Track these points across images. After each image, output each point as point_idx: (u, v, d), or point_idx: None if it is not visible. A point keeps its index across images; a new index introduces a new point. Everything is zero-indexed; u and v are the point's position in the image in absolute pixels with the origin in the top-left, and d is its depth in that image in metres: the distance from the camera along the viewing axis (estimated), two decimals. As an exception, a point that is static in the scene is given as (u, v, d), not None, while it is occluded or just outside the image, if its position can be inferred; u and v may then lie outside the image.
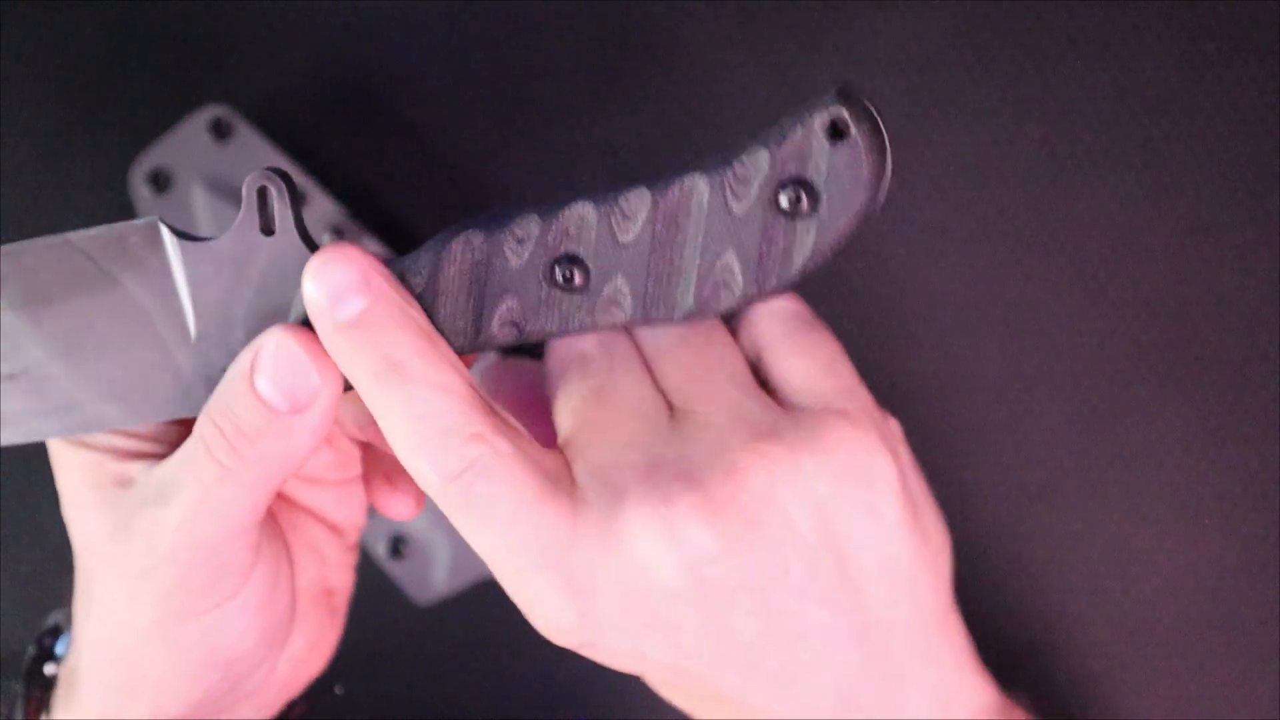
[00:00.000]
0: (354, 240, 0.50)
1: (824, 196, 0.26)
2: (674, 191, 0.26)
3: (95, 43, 0.52)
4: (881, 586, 0.30)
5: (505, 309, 0.27)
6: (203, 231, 0.51)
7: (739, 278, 0.26)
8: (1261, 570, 0.52)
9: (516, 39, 0.52)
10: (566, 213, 0.26)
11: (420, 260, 0.28)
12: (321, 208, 0.50)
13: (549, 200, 0.27)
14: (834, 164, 0.26)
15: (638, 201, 0.26)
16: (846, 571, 0.30)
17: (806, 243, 0.26)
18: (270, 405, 0.28)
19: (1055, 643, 0.53)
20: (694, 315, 0.26)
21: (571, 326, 0.27)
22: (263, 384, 0.28)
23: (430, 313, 0.28)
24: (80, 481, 0.31)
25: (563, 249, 0.26)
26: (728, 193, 0.25)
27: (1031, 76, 0.52)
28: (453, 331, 0.28)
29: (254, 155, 0.50)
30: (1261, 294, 0.51)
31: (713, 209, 0.25)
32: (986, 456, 0.52)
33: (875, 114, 0.26)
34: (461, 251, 0.27)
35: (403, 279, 0.28)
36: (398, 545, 0.51)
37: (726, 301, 0.27)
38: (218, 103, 0.50)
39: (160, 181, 0.50)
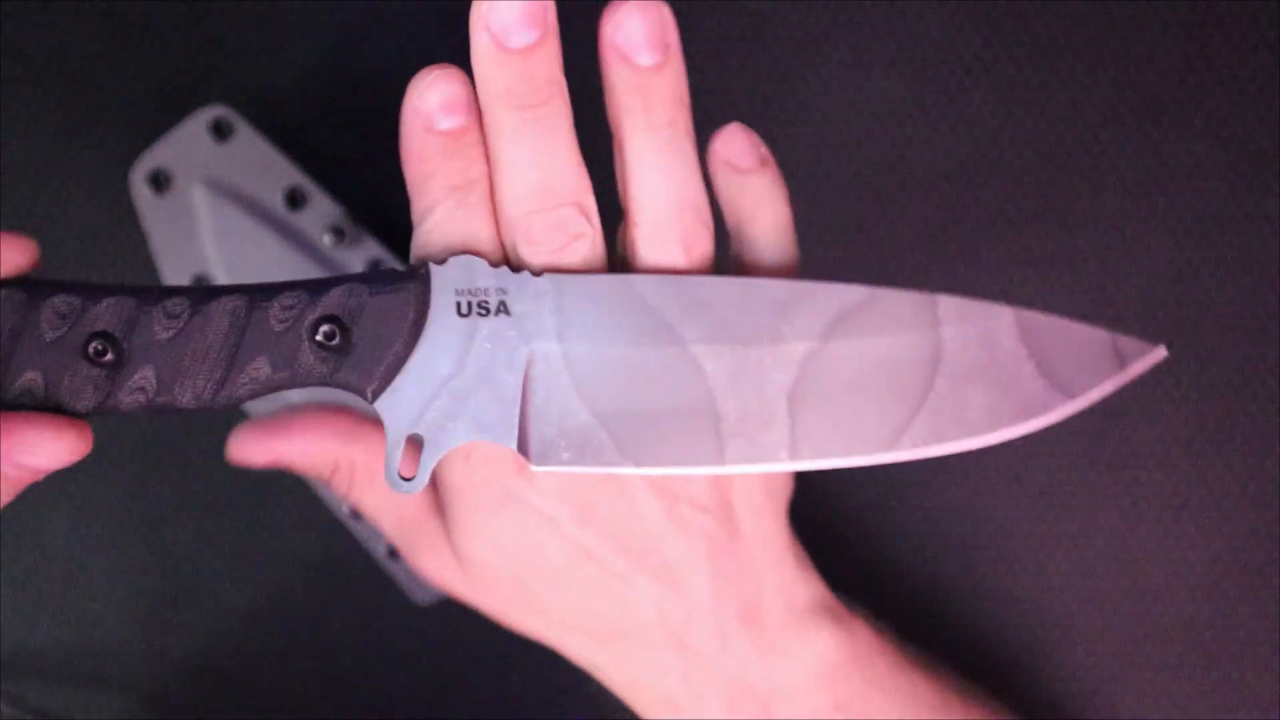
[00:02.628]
0: (354, 240, 0.50)
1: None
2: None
3: (95, 43, 0.52)
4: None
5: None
6: (202, 231, 0.51)
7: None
8: (1260, 570, 0.52)
9: (516, 39, 0.52)
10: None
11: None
12: (321, 208, 0.50)
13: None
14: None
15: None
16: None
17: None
18: (19, 480, 0.29)
19: (1055, 643, 0.53)
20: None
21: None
22: (24, 460, 0.29)
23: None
24: None
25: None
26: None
27: (1031, 76, 0.52)
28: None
29: (254, 155, 0.50)
30: (1261, 294, 0.51)
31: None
32: (986, 456, 0.52)
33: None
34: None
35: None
36: (398, 545, 0.51)
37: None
38: (218, 103, 0.50)
39: (160, 181, 0.50)
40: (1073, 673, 0.53)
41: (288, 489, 0.52)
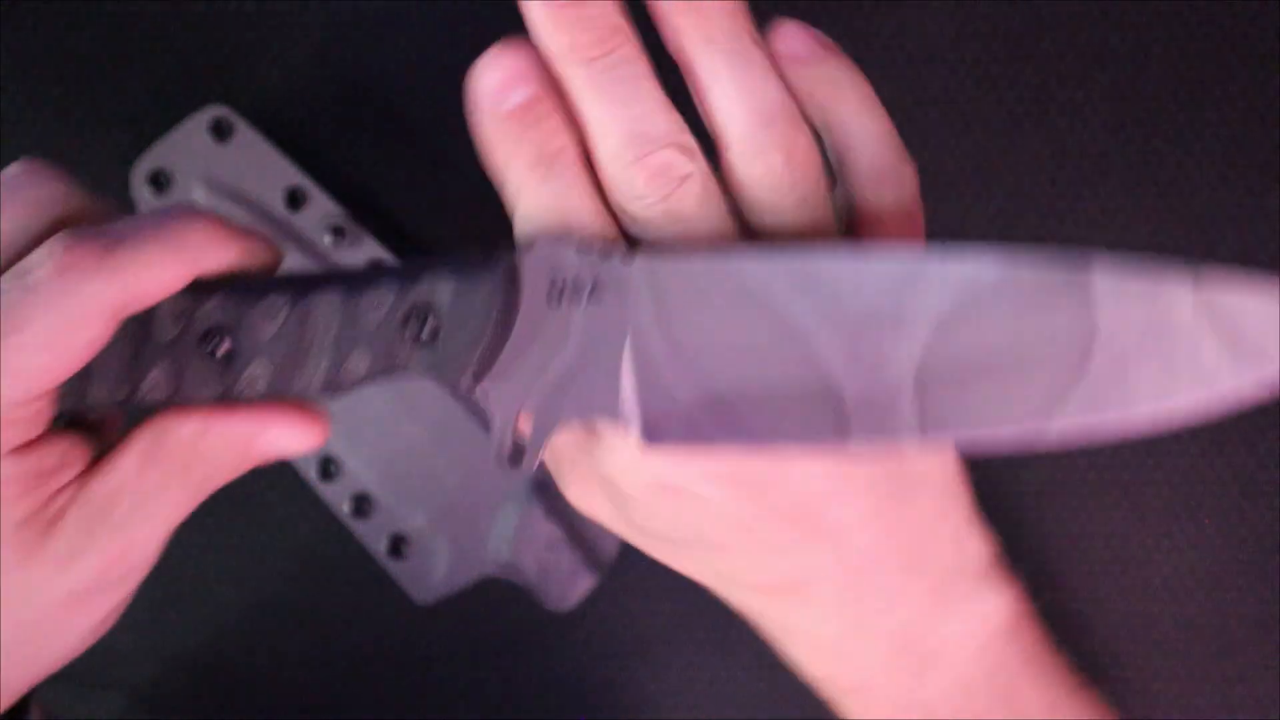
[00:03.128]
0: (354, 240, 0.50)
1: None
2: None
3: (95, 43, 0.52)
4: None
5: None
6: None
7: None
8: (1260, 570, 0.52)
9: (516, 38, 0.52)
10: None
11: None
12: (321, 208, 0.50)
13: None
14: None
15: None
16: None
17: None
18: (264, 460, 0.31)
19: (1054, 642, 0.53)
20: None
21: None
22: (267, 449, 0.31)
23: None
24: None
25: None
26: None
27: (1031, 77, 0.52)
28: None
29: (254, 155, 0.50)
30: (1261, 294, 0.51)
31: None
32: (985, 457, 0.52)
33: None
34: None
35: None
36: (398, 545, 0.51)
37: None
38: (218, 103, 0.50)
39: (160, 182, 0.50)
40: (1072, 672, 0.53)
41: (288, 489, 0.52)
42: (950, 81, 0.52)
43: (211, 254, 0.29)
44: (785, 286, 0.28)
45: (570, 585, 0.51)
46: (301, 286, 0.29)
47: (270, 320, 0.29)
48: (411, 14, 0.52)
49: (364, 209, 0.52)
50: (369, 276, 0.29)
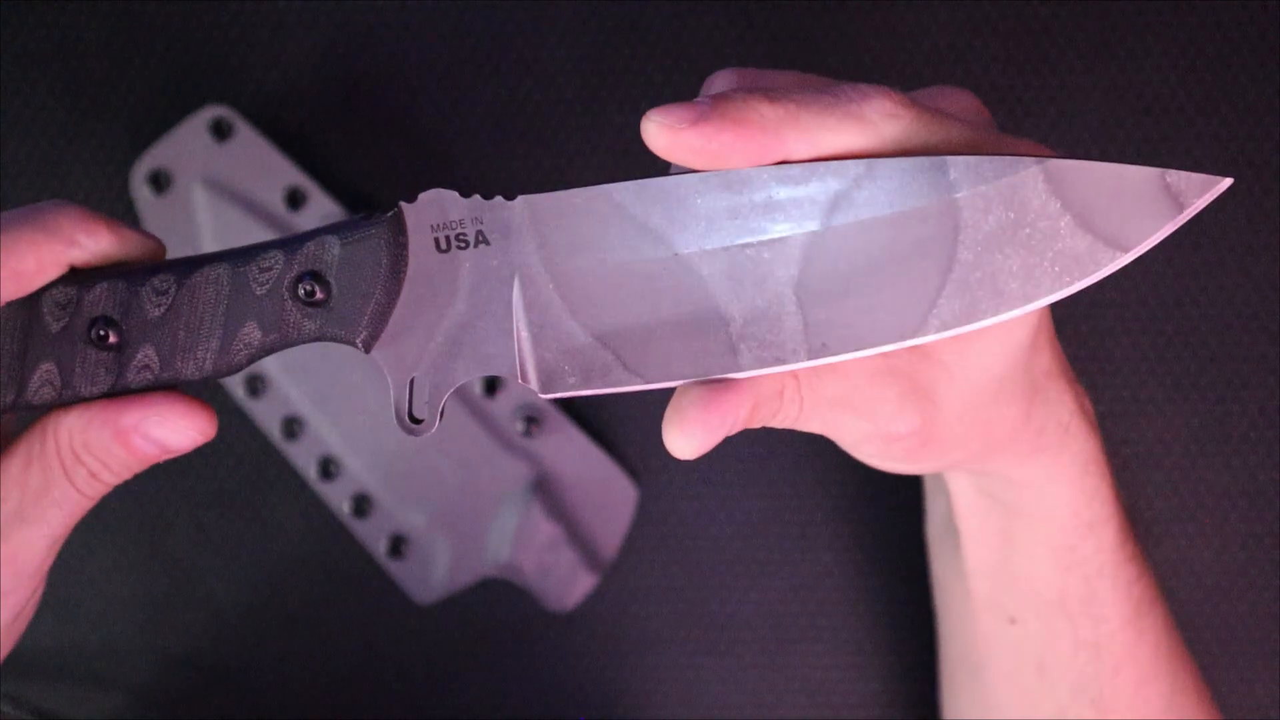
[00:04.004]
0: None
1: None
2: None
3: (95, 43, 0.52)
4: None
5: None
6: (202, 231, 0.51)
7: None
8: (1260, 570, 0.52)
9: (516, 39, 0.52)
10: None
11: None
12: (321, 208, 0.50)
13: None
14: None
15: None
16: None
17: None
18: (147, 456, 0.30)
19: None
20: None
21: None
22: (150, 442, 0.30)
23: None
24: None
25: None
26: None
27: (1031, 76, 0.52)
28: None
29: (254, 155, 0.50)
30: (1261, 294, 0.51)
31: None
32: (986, 456, 0.52)
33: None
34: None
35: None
36: (398, 545, 0.51)
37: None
38: (218, 103, 0.50)
39: (160, 182, 0.50)
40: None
41: (288, 489, 0.52)
42: (950, 81, 0.52)
43: (84, 239, 0.29)
44: (661, 212, 0.28)
45: (570, 585, 0.51)
46: (187, 265, 0.29)
47: (158, 299, 0.29)
48: (411, 14, 0.52)
49: (364, 209, 0.52)
50: (256, 247, 0.29)
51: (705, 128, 0.28)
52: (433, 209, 0.29)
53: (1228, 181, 0.28)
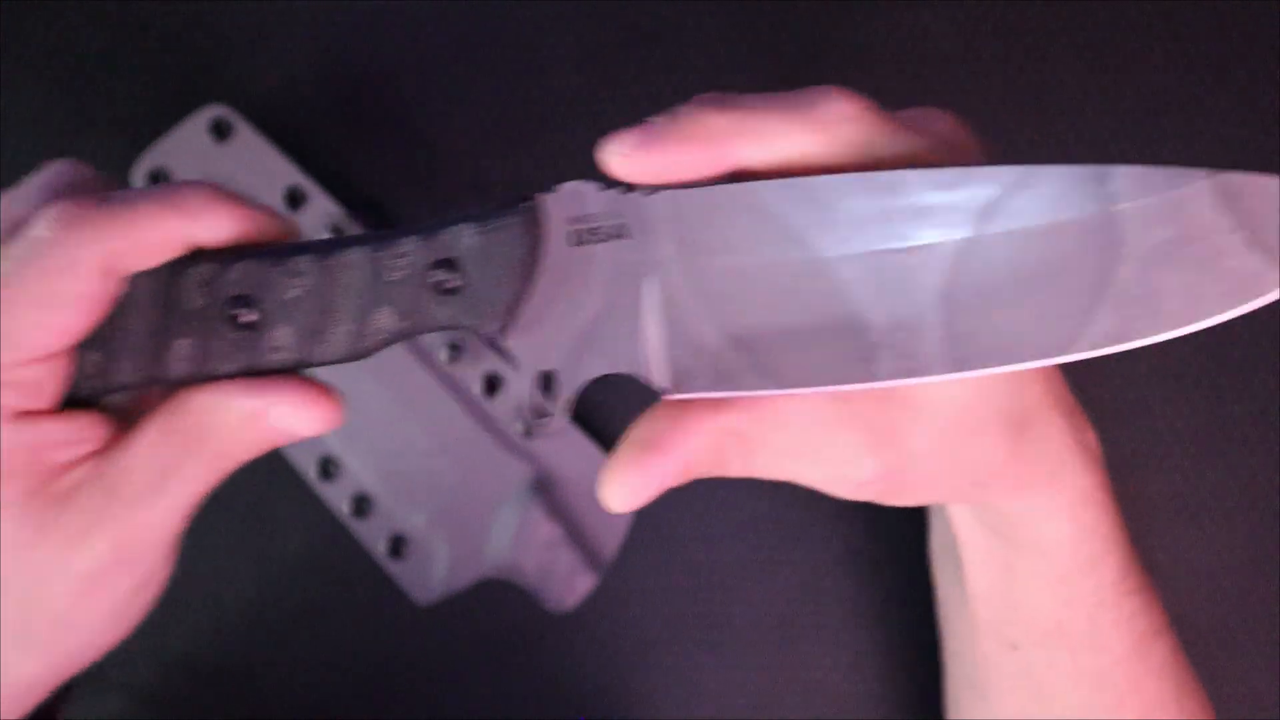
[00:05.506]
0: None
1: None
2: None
3: (95, 43, 0.52)
4: None
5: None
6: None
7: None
8: (1261, 570, 0.52)
9: (516, 39, 0.52)
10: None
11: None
12: (321, 208, 0.50)
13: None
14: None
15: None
16: None
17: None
18: (275, 439, 0.30)
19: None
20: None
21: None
22: (278, 427, 0.30)
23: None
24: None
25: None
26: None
27: (1031, 76, 0.52)
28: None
29: (254, 155, 0.50)
30: (1261, 294, 0.51)
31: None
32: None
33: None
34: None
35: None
36: (398, 545, 0.51)
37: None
38: (218, 103, 0.50)
39: (160, 182, 0.50)
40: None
41: (288, 489, 0.52)
42: (950, 82, 0.52)
43: (210, 216, 0.29)
44: (806, 212, 0.27)
45: (570, 585, 0.51)
46: (325, 247, 0.29)
47: (295, 280, 0.29)
48: (411, 14, 0.52)
49: (364, 209, 0.52)
50: (392, 233, 0.29)
51: (655, 147, 0.28)
52: (571, 200, 0.28)
53: None
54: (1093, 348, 0.27)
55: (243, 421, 0.30)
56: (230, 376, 0.30)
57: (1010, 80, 0.52)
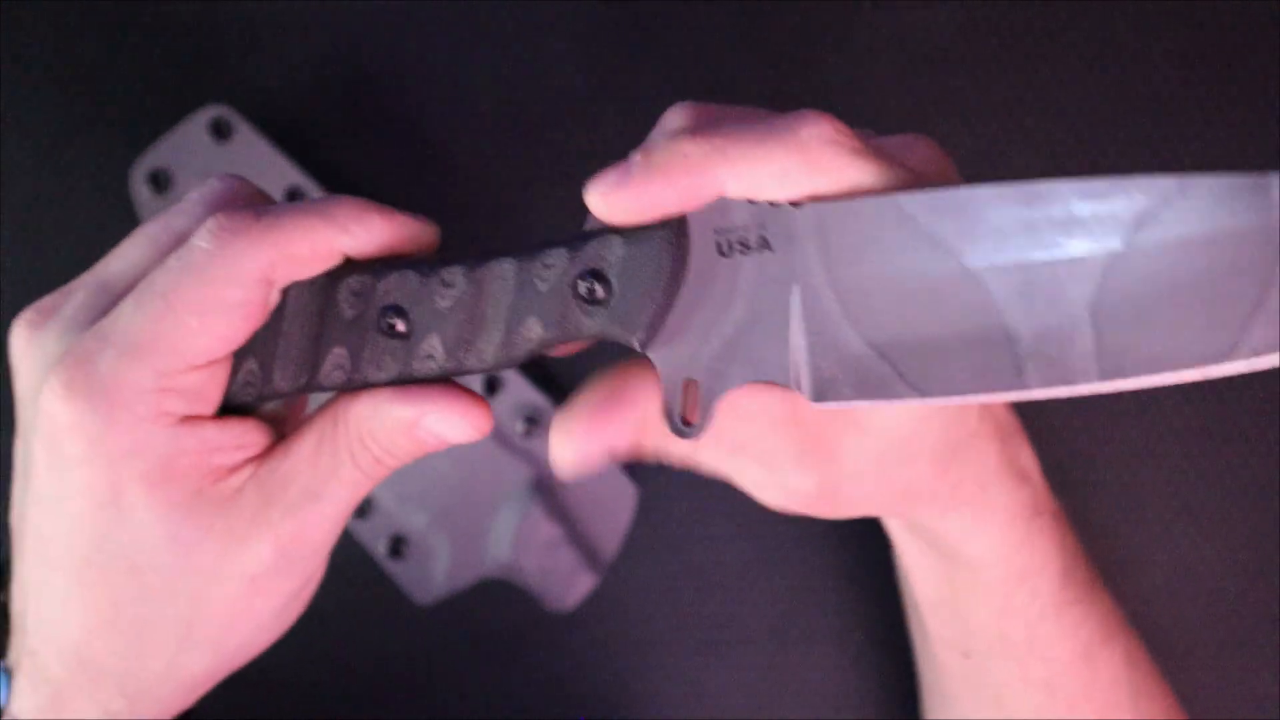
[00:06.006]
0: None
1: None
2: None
3: (95, 43, 0.52)
4: None
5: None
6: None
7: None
8: (1260, 570, 0.52)
9: (516, 39, 0.52)
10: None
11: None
12: (321, 208, 0.50)
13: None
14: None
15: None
16: None
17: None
18: (428, 446, 0.31)
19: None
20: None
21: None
22: (431, 435, 0.31)
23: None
24: (163, 482, 0.30)
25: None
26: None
27: (1031, 76, 0.52)
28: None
29: (254, 155, 0.50)
30: (1261, 294, 0.51)
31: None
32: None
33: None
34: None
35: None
36: (398, 545, 0.51)
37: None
38: (218, 103, 0.50)
39: (160, 182, 0.50)
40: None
41: (288, 489, 0.52)
42: (950, 81, 0.52)
43: (363, 227, 0.30)
44: (953, 224, 0.27)
45: (570, 585, 0.51)
46: (475, 258, 0.30)
47: (447, 290, 0.30)
48: (411, 14, 0.52)
49: (364, 209, 0.52)
50: (540, 243, 0.30)
51: (633, 185, 0.28)
52: (717, 212, 0.28)
53: None
54: (1252, 355, 0.26)
55: (398, 429, 0.31)
56: (383, 384, 0.30)
57: (1010, 80, 0.52)
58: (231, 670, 0.35)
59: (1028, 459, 0.37)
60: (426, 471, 0.51)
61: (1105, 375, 0.27)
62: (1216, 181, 0.26)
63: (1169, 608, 0.52)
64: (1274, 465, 0.51)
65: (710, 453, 0.32)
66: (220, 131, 0.50)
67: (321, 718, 0.53)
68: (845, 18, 0.52)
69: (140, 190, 0.50)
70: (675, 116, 0.31)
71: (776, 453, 0.32)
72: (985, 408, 0.34)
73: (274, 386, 0.30)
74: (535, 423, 0.51)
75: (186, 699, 0.34)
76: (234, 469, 0.31)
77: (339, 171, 0.52)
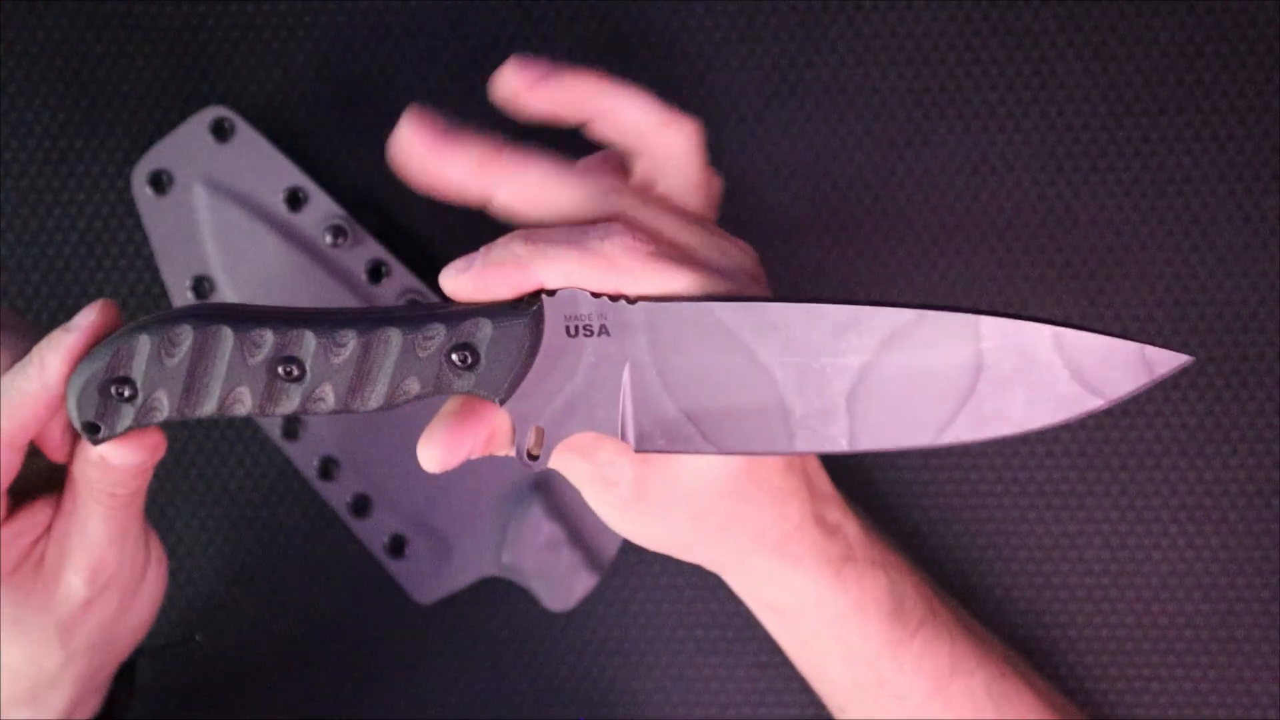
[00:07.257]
0: (354, 240, 0.50)
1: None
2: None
3: (95, 43, 0.52)
4: None
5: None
6: (202, 231, 0.51)
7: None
8: (1259, 571, 0.52)
9: (516, 39, 0.52)
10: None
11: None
12: (321, 208, 0.50)
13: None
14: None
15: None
16: None
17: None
18: (116, 473, 0.38)
19: (1054, 642, 0.53)
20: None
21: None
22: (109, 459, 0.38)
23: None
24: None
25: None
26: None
27: (1031, 76, 0.52)
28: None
29: (254, 156, 0.50)
30: (1261, 294, 0.51)
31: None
32: (986, 457, 0.52)
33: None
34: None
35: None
36: (398, 545, 0.51)
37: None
38: (218, 103, 0.50)
39: (161, 182, 0.50)
40: (1071, 672, 0.53)
41: (288, 489, 0.52)
42: (950, 81, 0.52)
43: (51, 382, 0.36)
44: (751, 328, 0.36)
45: (570, 585, 0.51)
46: (367, 324, 0.36)
47: (340, 349, 0.35)
48: (411, 14, 0.52)
49: (364, 209, 0.52)
50: (421, 318, 0.36)
51: (473, 274, 0.35)
52: (567, 302, 0.35)
53: (1189, 359, 0.36)
54: (956, 437, 0.36)
55: (94, 467, 0.37)
56: (282, 415, 0.37)
57: (1010, 80, 0.52)
58: (118, 661, 0.44)
59: (837, 515, 0.43)
60: (427, 471, 0.51)
61: (852, 444, 0.36)
62: (940, 317, 0.36)
63: (1169, 608, 0.52)
64: (1274, 465, 0.52)
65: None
66: (221, 132, 0.50)
67: (322, 717, 0.53)
68: (846, 18, 0.52)
69: (141, 190, 0.50)
70: (512, 69, 0.39)
71: (599, 447, 0.38)
72: (791, 472, 0.41)
73: (189, 414, 0.36)
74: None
75: (90, 698, 0.43)
76: (34, 543, 0.39)
77: (339, 171, 0.52)
